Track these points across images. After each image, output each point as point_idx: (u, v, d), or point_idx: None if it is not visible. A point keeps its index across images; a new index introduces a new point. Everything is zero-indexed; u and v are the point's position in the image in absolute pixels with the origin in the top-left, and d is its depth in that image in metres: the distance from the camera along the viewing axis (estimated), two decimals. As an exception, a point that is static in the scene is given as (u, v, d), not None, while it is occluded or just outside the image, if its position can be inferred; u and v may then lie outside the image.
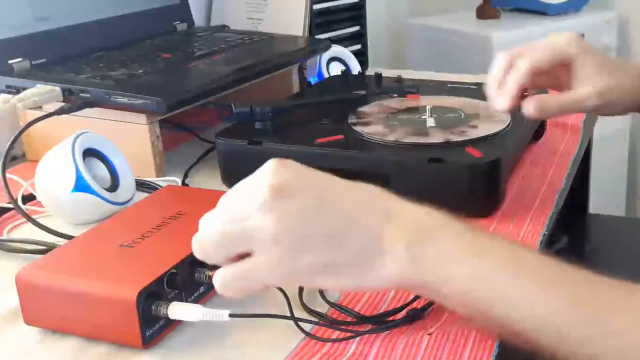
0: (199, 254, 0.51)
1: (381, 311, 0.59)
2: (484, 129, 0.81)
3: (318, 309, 0.59)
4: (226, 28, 1.25)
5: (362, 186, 0.53)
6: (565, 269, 0.49)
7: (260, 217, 0.48)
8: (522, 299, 0.48)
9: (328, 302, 0.61)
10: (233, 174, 0.84)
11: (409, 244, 0.49)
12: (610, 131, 2.05)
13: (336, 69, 1.19)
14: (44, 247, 0.69)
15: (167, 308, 0.54)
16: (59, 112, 0.84)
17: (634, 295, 0.48)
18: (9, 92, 0.88)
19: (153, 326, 0.55)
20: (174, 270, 0.56)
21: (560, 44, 0.73)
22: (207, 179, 0.88)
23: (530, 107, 0.72)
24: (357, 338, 0.56)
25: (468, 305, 0.49)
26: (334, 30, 1.39)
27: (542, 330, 0.47)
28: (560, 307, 0.47)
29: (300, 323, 0.57)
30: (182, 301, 0.57)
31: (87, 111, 0.86)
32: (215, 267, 0.60)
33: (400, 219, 0.50)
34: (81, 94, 0.86)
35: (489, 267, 0.49)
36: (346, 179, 0.52)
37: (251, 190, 0.50)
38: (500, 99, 0.73)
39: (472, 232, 0.51)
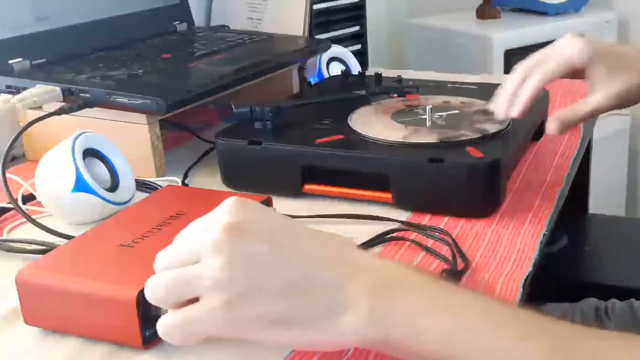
0: (150, 298, 0.48)
1: (381, 311, 0.59)
2: (483, 129, 0.81)
3: (318, 309, 0.59)
4: (226, 28, 1.25)
5: (326, 235, 0.50)
6: (545, 321, 0.46)
7: (209, 259, 0.45)
8: (498, 354, 0.44)
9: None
10: (233, 174, 0.84)
11: (374, 299, 0.46)
12: (610, 131, 2.05)
13: (336, 69, 1.19)
14: (44, 247, 0.69)
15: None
16: (59, 112, 0.84)
17: (619, 344, 0.45)
18: (9, 92, 0.88)
19: (153, 326, 0.54)
20: (174, 270, 0.56)
21: (569, 54, 0.75)
22: (207, 179, 0.88)
23: (552, 127, 0.75)
24: (357, 338, 0.56)
25: None
26: (334, 30, 1.39)
27: None
28: None
29: (300, 323, 0.57)
30: (182, 301, 0.57)
31: (87, 111, 0.86)
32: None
33: (365, 273, 0.47)
34: (81, 94, 0.86)
35: (462, 321, 0.45)
36: (311, 228, 0.49)
37: (205, 229, 0.46)
38: (512, 108, 0.77)
39: (443, 285, 0.48)
